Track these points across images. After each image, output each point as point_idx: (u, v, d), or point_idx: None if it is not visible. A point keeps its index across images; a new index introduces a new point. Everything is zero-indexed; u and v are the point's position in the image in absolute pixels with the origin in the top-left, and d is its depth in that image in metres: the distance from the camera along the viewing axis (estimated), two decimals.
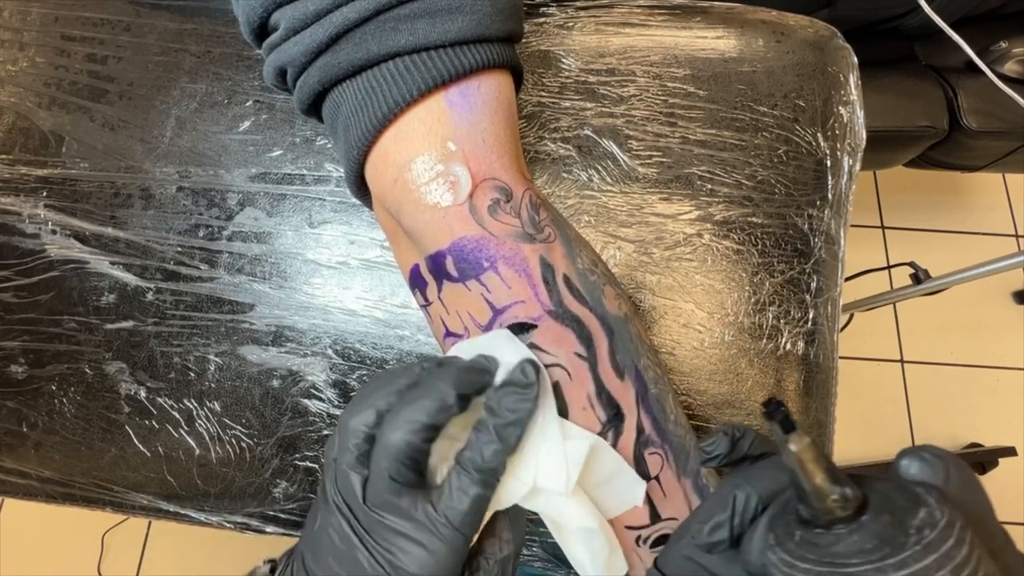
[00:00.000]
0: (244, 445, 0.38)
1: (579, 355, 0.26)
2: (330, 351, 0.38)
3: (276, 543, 0.36)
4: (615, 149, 0.40)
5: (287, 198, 0.41)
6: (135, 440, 0.39)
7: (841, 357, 0.38)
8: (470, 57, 0.25)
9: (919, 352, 1.26)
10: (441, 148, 0.26)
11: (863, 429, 1.20)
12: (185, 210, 0.41)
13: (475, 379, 0.23)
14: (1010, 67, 0.71)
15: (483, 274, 0.26)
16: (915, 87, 0.75)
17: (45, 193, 0.42)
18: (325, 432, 0.38)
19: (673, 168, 0.39)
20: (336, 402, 0.38)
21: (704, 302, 0.38)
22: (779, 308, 0.37)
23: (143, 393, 0.39)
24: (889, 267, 0.99)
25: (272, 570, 0.28)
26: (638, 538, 0.28)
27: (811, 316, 0.37)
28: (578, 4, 0.42)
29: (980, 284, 0.86)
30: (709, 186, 0.39)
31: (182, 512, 0.38)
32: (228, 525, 0.38)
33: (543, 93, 0.40)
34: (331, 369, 0.38)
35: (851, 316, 1.00)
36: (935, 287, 0.82)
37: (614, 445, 0.27)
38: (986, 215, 1.34)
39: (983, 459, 1.14)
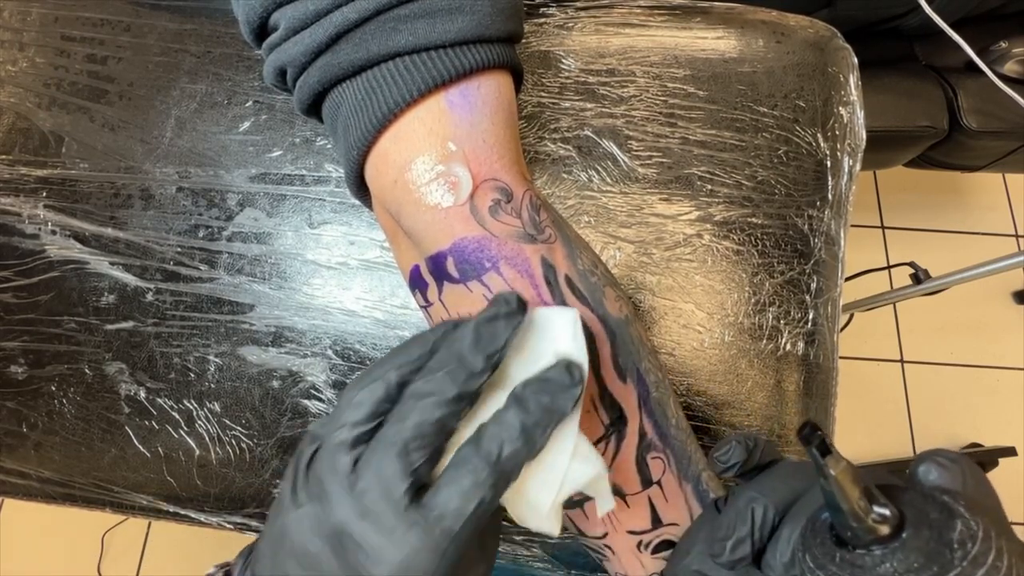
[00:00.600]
0: (244, 446, 0.38)
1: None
2: (330, 352, 0.38)
3: None
4: (615, 149, 0.40)
5: (287, 199, 0.41)
6: (135, 441, 0.39)
7: (841, 357, 0.38)
8: (470, 57, 0.25)
9: (919, 352, 1.26)
10: (441, 148, 0.25)
11: (863, 429, 1.20)
12: (185, 211, 0.41)
13: (498, 329, 0.20)
14: (1010, 67, 0.71)
15: (485, 275, 0.26)
16: (915, 87, 0.75)
17: (45, 193, 0.42)
18: None
19: (673, 169, 0.39)
20: (336, 402, 0.38)
21: (704, 303, 0.38)
22: (779, 308, 0.37)
23: (143, 394, 0.39)
24: (889, 267, 0.99)
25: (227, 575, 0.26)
26: (639, 543, 0.28)
27: (811, 316, 0.37)
28: (578, 4, 0.42)
29: (980, 284, 0.86)
30: (709, 187, 0.39)
31: (182, 513, 0.38)
32: (228, 526, 0.38)
33: (543, 93, 0.40)
34: (331, 370, 0.38)
35: (851, 316, 1.00)
36: (935, 287, 0.82)
37: (616, 450, 0.27)
38: (986, 215, 1.34)
39: (983, 459, 1.14)
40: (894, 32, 0.78)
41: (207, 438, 0.38)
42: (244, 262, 0.40)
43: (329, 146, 0.41)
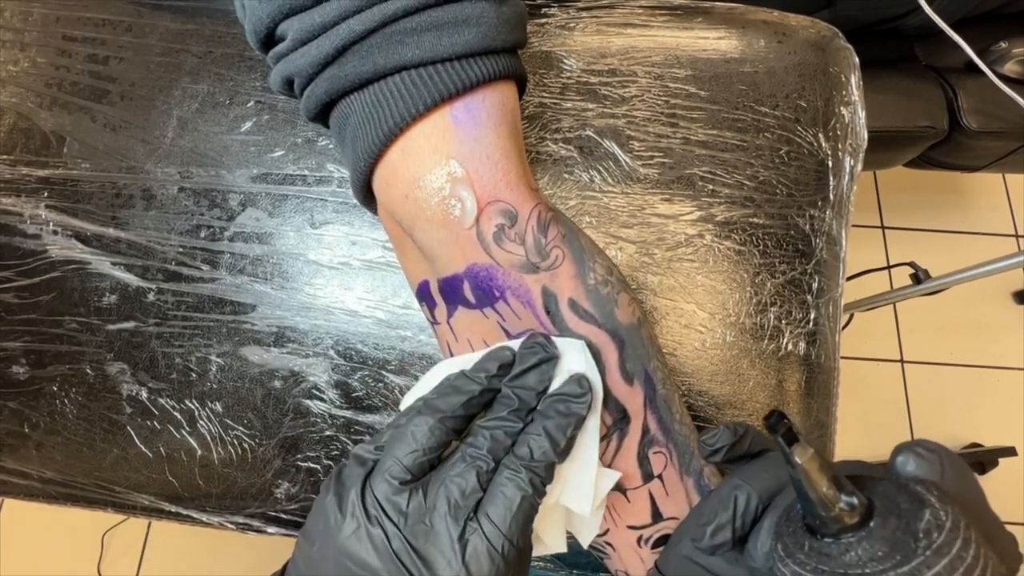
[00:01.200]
0: (246, 446, 0.38)
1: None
2: (332, 352, 0.38)
3: (277, 543, 0.36)
4: (616, 150, 0.40)
5: (289, 199, 0.41)
6: (137, 441, 0.39)
7: (841, 357, 0.38)
8: (476, 70, 0.25)
9: (919, 352, 1.26)
10: (447, 168, 0.26)
11: (863, 429, 1.20)
12: (186, 211, 0.41)
13: (546, 371, 0.25)
14: (1010, 67, 0.71)
15: (496, 303, 0.27)
16: (915, 87, 0.75)
17: (46, 194, 0.42)
18: (327, 433, 0.38)
19: (675, 169, 0.39)
20: (338, 403, 0.38)
21: (706, 303, 0.38)
22: (781, 309, 0.38)
23: (145, 394, 0.39)
24: (889, 267, 0.99)
25: None
26: (639, 538, 0.28)
27: (812, 317, 0.37)
28: (579, 5, 0.42)
29: (980, 284, 0.86)
30: (710, 187, 0.39)
31: (184, 513, 0.38)
32: (230, 526, 0.38)
33: (545, 94, 0.40)
34: (333, 370, 0.38)
35: (851, 316, 1.00)
36: (935, 287, 0.82)
37: (619, 446, 0.27)
38: (986, 215, 1.34)
39: (983, 459, 1.14)
40: (894, 32, 0.78)
41: (209, 438, 0.38)
42: (246, 262, 0.40)
43: (331, 147, 0.41)
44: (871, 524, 0.18)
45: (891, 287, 1.06)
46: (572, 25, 0.42)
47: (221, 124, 0.42)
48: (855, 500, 0.18)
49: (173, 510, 0.38)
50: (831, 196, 0.39)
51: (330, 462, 0.38)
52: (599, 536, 0.29)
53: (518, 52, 0.29)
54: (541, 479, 0.23)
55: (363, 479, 0.23)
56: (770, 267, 0.38)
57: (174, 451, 0.38)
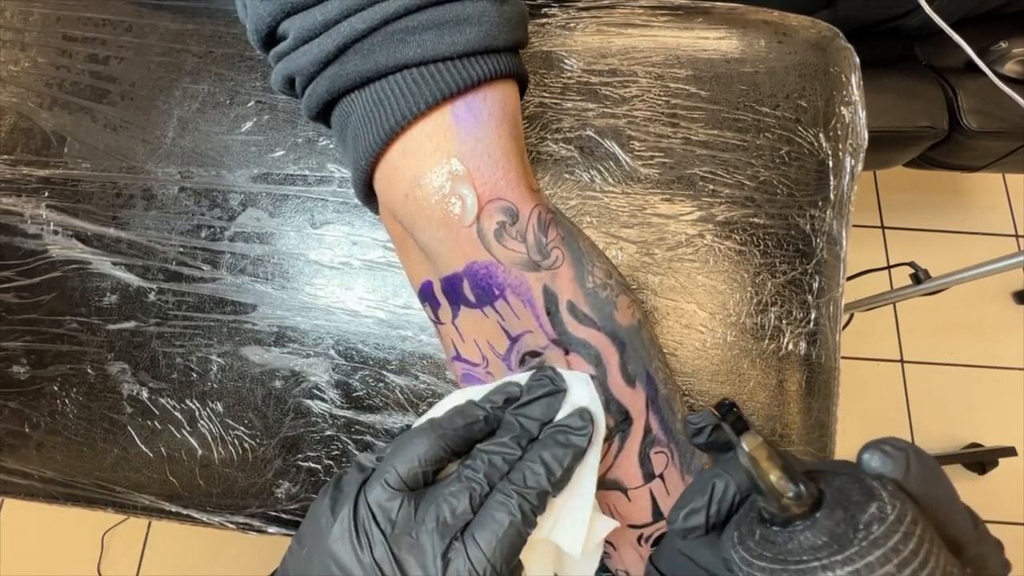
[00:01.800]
0: (246, 446, 0.38)
1: (588, 375, 0.27)
2: (332, 352, 0.38)
3: (277, 543, 0.36)
4: (617, 150, 0.40)
5: (289, 199, 0.41)
6: (137, 441, 0.39)
7: (841, 357, 0.38)
8: (477, 69, 0.25)
9: (919, 352, 1.26)
10: (448, 166, 0.26)
11: (863, 429, 1.20)
12: (187, 211, 0.41)
13: (554, 403, 0.25)
14: (1010, 67, 0.71)
15: (496, 301, 0.27)
16: (915, 87, 0.75)
17: (47, 193, 0.42)
18: (327, 432, 0.38)
19: (675, 169, 0.39)
20: (338, 402, 0.38)
21: (706, 303, 0.38)
22: (781, 308, 0.38)
23: (145, 394, 0.39)
24: (889, 267, 0.99)
25: None
26: (640, 537, 0.28)
27: (813, 316, 0.38)
28: (580, 5, 0.42)
29: (980, 284, 0.86)
30: (711, 187, 0.39)
31: (184, 512, 0.38)
32: (230, 525, 0.38)
33: (545, 94, 0.40)
34: (333, 370, 0.38)
35: (851, 316, 1.00)
36: (935, 287, 0.82)
37: (620, 447, 0.27)
38: (986, 215, 1.34)
39: (983, 459, 1.14)
40: (894, 32, 0.78)
41: (209, 438, 0.38)
42: (246, 262, 0.40)
43: (332, 146, 0.41)
44: (817, 514, 0.18)
45: (891, 287, 1.06)
46: (573, 25, 0.42)
47: (222, 124, 0.42)
48: (803, 490, 0.18)
49: (173, 510, 0.38)
50: (831, 196, 0.39)
51: (331, 462, 0.38)
52: None
53: (519, 52, 0.29)
54: (532, 507, 0.23)
55: (359, 485, 0.24)
56: (771, 267, 0.38)
57: (175, 451, 0.38)
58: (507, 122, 0.27)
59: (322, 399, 0.38)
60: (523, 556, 0.24)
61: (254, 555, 1.08)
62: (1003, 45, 0.72)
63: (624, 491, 0.28)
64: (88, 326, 0.40)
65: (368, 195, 0.29)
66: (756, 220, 0.38)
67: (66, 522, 1.15)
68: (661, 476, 0.28)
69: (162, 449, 0.38)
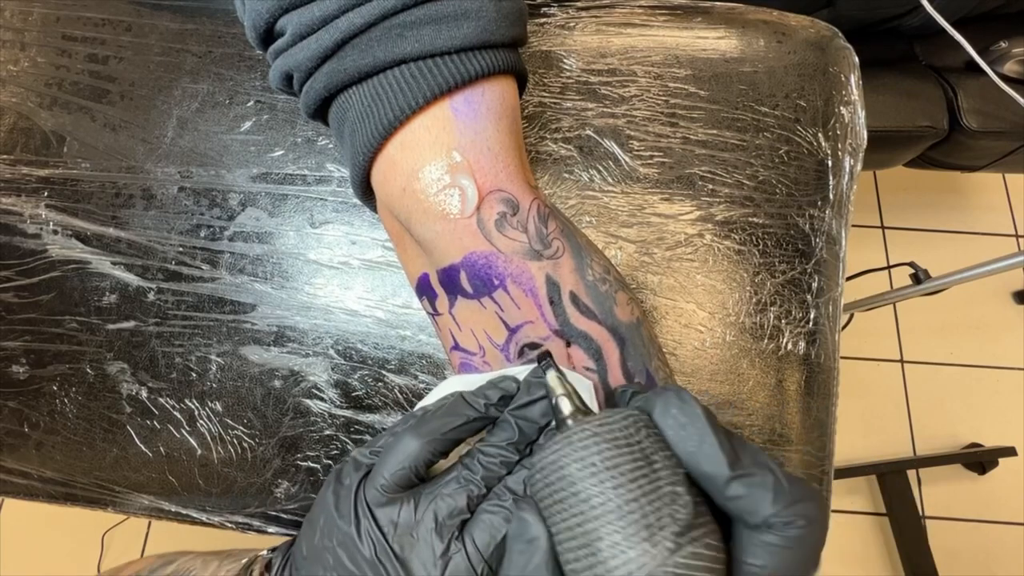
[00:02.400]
0: (246, 445, 0.38)
1: (588, 368, 0.27)
2: (332, 351, 0.38)
3: (277, 543, 0.36)
4: (616, 149, 0.40)
5: (289, 198, 0.41)
6: (137, 440, 0.39)
7: (841, 357, 0.38)
8: (475, 64, 0.25)
9: (919, 352, 1.26)
10: (447, 158, 0.26)
11: (863, 429, 1.21)
12: (186, 210, 0.41)
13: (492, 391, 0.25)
14: (1010, 67, 0.71)
15: (495, 292, 0.26)
16: (915, 87, 0.75)
17: (46, 193, 0.42)
18: (327, 432, 0.38)
19: (674, 168, 0.39)
20: (338, 402, 0.38)
21: (705, 302, 0.38)
22: (780, 308, 0.38)
23: (145, 393, 0.39)
24: (889, 267, 0.99)
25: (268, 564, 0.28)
26: None
27: (812, 316, 0.37)
28: (579, 4, 0.42)
29: (980, 284, 0.86)
30: (710, 186, 0.39)
31: (183, 512, 0.38)
32: (229, 525, 0.38)
33: (544, 93, 0.41)
34: (333, 369, 0.38)
35: (851, 316, 1.00)
36: (935, 287, 0.82)
37: None
38: (986, 215, 1.35)
39: (983, 459, 1.14)
40: (894, 32, 0.78)
41: (209, 438, 0.38)
42: (246, 262, 0.40)
43: (331, 146, 0.41)
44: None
45: (891, 287, 1.06)
46: (572, 25, 0.42)
47: (221, 124, 0.42)
48: (577, 407, 0.22)
49: (173, 510, 0.38)
50: (831, 196, 0.39)
51: (330, 461, 0.38)
52: None
53: (518, 50, 0.29)
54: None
55: (358, 482, 0.24)
56: (770, 267, 0.38)
57: (174, 451, 0.38)
58: (506, 117, 0.27)
59: (321, 399, 0.38)
60: None
61: None
62: (1003, 45, 0.72)
63: None
64: (87, 326, 0.40)
65: (366, 192, 0.29)
66: (755, 220, 0.38)
67: (66, 522, 1.15)
68: None
69: (161, 449, 0.38)
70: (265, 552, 0.29)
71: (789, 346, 0.37)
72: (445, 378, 0.38)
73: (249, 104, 0.42)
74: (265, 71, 0.43)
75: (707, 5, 0.42)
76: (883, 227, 1.34)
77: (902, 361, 1.25)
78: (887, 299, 0.91)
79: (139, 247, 0.41)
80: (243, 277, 0.40)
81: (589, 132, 0.40)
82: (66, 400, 0.39)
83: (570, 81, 0.41)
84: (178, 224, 0.41)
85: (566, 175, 0.39)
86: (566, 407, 0.22)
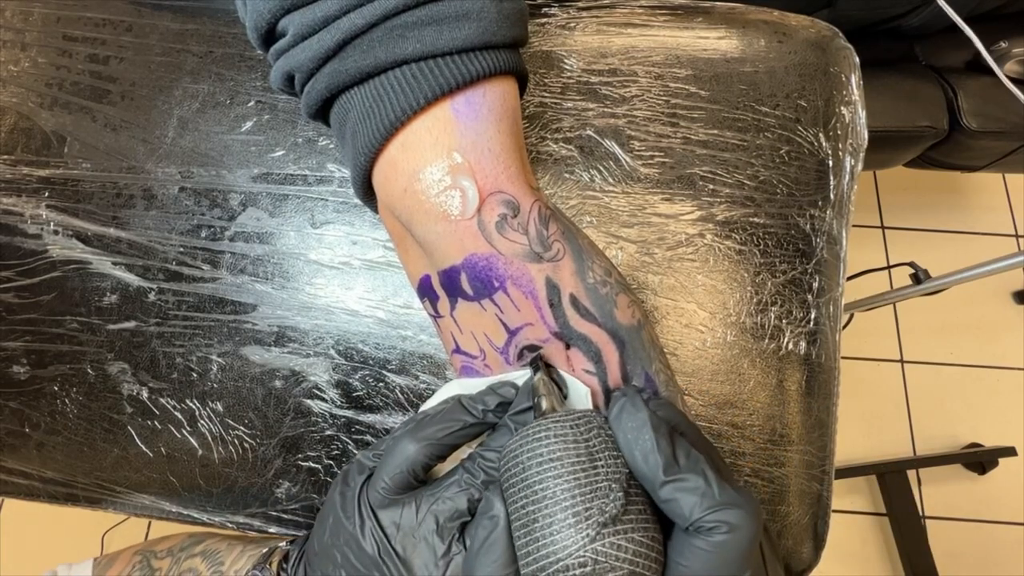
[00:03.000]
0: (247, 445, 0.38)
1: (588, 371, 0.27)
2: (333, 351, 0.38)
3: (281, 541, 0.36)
4: (617, 149, 0.40)
5: (289, 198, 0.41)
6: (137, 441, 0.39)
7: (841, 357, 0.38)
8: (476, 64, 0.25)
9: (919, 352, 1.26)
10: (448, 159, 0.26)
11: (863, 429, 1.21)
12: (187, 210, 0.41)
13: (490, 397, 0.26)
14: (1010, 67, 0.72)
15: (495, 294, 0.26)
16: (915, 87, 0.75)
17: (47, 194, 0.42)
18: (328, 432, 0.38)
19: (675, 168, 0.39)
20: (339, 402, 0.38)
21: (706, 302, 0.38)
22: (781, 308, 0.38)
23: (145, 394, 0.39)
24: (889, 267, 0.99)
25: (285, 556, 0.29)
26: None
27: (813, 316, 0.38)
28: (580, 5, 0.42)
29: (980, 284, 0.86)
30: (711, 186, 0.39)
31: (184, 512, 0.38)
32: (230, 525, 0.38)
33: (545, 93, 0.41)
34: (334, 369, 0.38)
35: (851, 316, 1.00)
36: (935, 287, 0.82)
37: None
38: (986, 215, 1.35)
39: (983, 459, 1.14)
40: (894, 32, 0.78)
41: (210, 438, 0.38)
42: (247, 262, 0.40)
43: (332, 146, 0.41)
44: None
45: (891, 287, 1.06)
46: (572, 25, 0.42)
47: (222, 124, 0.42)
48: (554, 406, 0.24)
49: (174, 510, 0.38)
50: (831, 196, 0.39)
51: (331, 462, 0.38)
52: None
53: (519, 51, 0.29)
54: None
55: (361, 484, 0.26)
56: (770, 267, 0.38)
57: (175, 451, 0.38)
58: (507, 118, 0.27)
59: (322, 399, 0.38)
60: None
61: None
62: (1003, 45, 0.72)
63: None
64: (88, 326, 0.40)
65: (367, 192, 0.29)
66: (756, 220, 0.39)
67: (66, 522, 1.15)
68: None
69: (162, 449, 0.38)
70: (284, 544, 0.31)
71: (790, 346, 0.37)
72: (446, 378, 0.38)
73: (250, 104, 0.42)
74: (266, 71, 0.43)
75: (708, 5, 0.42)
76: (883, 227, 1.34)
77: (902, 361, 1.25)
78: (887, 299, 0.91)
79: (140, 247, 0.41)
80: (244, 277, 0.40)
81: (590, 132, 0.40)
82: (67, 400, 0.39)
83: (571, 81, 0.41)
84: (179, 224, 0.41)
85: (567, 175, 0.39)
86: (544, 406, 0.24)
